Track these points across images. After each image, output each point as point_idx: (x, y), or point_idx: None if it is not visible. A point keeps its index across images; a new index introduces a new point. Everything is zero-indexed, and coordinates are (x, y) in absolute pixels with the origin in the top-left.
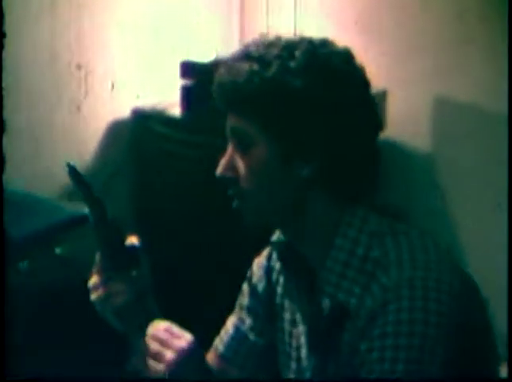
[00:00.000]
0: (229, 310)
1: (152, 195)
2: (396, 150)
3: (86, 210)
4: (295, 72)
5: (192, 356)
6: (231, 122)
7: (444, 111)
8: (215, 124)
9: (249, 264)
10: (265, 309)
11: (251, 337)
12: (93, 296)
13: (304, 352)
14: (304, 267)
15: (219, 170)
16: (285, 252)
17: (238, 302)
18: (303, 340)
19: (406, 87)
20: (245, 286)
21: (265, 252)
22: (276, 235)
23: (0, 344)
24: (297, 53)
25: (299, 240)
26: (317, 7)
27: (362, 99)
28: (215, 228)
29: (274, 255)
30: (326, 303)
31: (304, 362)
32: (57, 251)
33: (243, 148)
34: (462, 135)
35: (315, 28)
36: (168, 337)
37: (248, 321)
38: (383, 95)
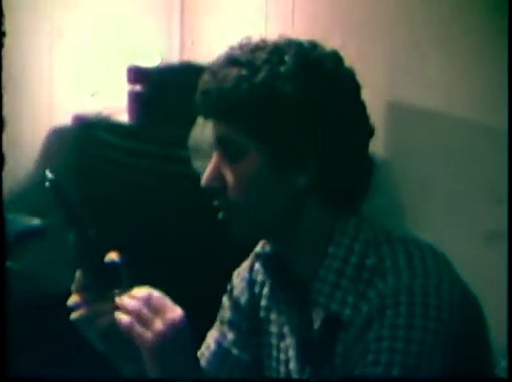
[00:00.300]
0: (204, 325)
1: (96, 206)
2: None
3: (36, 222)
4: (285, 76)
5: (181, 333)
6: (218, 130)
7: (398, 118)
8: (166, 132)
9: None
10: (248, 323)
11: (234, 351)
12: (75, 316)
13: (292, 365)
14: (293, 278)
15: (205, 180)
16: (272, 264)
17: (218, 317)
18: (291, 353)
19: None
20: (225, 300)
21: (246, 264)
22: (259, 247)
23: (0, 345)
24: (287, 57)
25: (289, 250)
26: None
27: (356, 102)
28: (166, 240)
29: (256, 267)
30: (319, 314)
31: (294, 375)
32: (8, 264)
33: (232, 157)
34: (417, 143)
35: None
36: (161, 306)
37: (230, 336)
38: None
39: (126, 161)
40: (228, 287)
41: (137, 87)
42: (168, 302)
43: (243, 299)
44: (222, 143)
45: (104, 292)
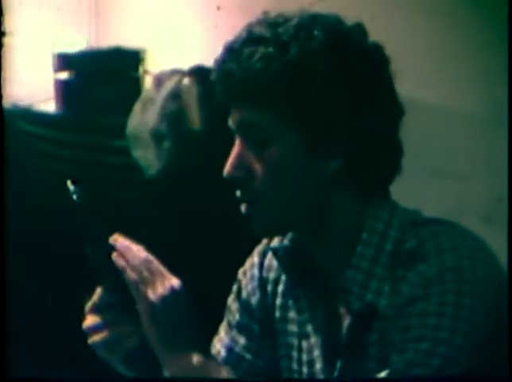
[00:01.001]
0: None
1: (24, 201)
2: None
3: None
4: (317, 53)
5: (180, 300)
6: (242, 116)
7: None
8: (96, 121)
9: None
10: (261, 325)
11: (248, 357)
12: (95, 340)
13: (319, 365)
14: (316, 271)
15: (228, 170)
16: (292, 258)
17: (225, 321)
18: (317, 353)
19: None
20: (232, 302)
21: (252, 261)
22: (275, 242)
23: (0, 345)
24: (316, 32)
25: (315, 241)
26: None
27: (387, 78)
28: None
29: (267, 264)
30: (351, 305)
31: (320, 376)
32: None
33: (259, 144)
34: None
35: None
36: (160, 272)
37: (242, 341)
38: None
39: (56, 153)
40: (234, 288)
41: (64, 75)
42: (165, 270)
43: (254, 300)
44: (247, 129)
45: (129, 310)
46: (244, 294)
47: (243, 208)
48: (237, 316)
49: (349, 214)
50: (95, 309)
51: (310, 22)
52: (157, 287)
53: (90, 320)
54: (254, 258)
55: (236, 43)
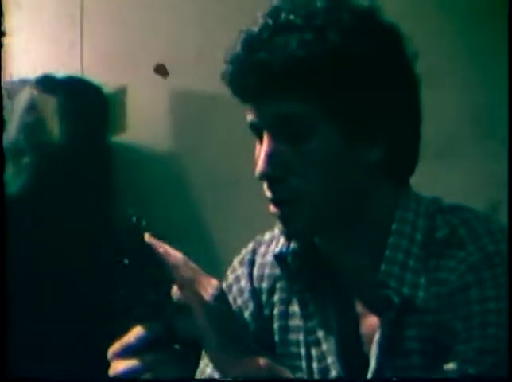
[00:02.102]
0: None
1: None
2: (135, 154)
3: None
4: (354, 36)
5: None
6: (279, 108)
7: (184, 108)
8: None
9: None
10: (256, 341)
11: None
12: None
13: (334, 372)
14: (330, 273)
15: (263, 168)
16: (304, 263)
17: None
18: (331, 359)
19: (144, 83)
20: None
21: (238, 273)
22: (280, 247)
23: (0, 344)
24: (345, 15)
25: (345, 239)
26: None
27: (411, 60)
28: None
29: (257, 274)
30: (392, 299)
31: None
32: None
33: (297, 136)
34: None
35: None
36: (199, 270)
37: None
38: (123, 91)
39: None
40: None
41: None
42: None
43: (247, 314)
44: (285, 122)
45: (183, 349)
46: (234, 308)
47: (276, 209)
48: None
49: (382, 205)
50: (129, 352)
51: (335, 5)
52: (206, 288)
53: (122, 365)
54: (238, 270)
55: (263, 31)
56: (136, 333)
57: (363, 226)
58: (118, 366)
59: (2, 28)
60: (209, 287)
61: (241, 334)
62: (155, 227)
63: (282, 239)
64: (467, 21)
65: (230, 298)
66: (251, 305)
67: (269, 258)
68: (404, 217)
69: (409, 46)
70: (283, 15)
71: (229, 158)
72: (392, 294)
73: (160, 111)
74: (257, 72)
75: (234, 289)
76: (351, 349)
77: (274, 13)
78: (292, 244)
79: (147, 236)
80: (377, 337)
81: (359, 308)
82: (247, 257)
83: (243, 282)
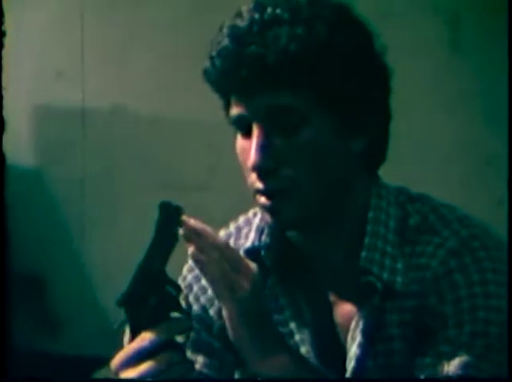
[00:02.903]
0: None
1: None
2: None
3: None
4: (338, 29)
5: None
6: (272, 100)
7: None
8: None
9: None
10: (222, 339)
11: (211, 373)
12: None
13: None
14: (300, 264)
15: (257, 160)
16: (279, 255)
17: None
18: (305, 349)
19: None
20: None
21: (197, 272)
22: (250, 242)
23: (0, 344)
24: (326, 9)
25: (325, 229)
26: None
27: (383, 52)
28: None
29: None
30: (375, 285)
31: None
32: None
33: (290, 129)
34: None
35: None
36: (240, 258)
37: (201, 359)
38: None
39: None
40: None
41: None
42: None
43: (212, 311)
44: (278, 114)
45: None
46: (196, 307)
47: (267, 200)
48: (191, 333)
49: (360, 194)
50: (142, 356)
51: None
52: (242, 279)
53: (136, 371)
54: (196, 270)
55: (252, 25)
56: (147, 337)
57: (342, 215)
58: (131, 373)
59: (3, 28)
60: (245, 281)
61: (275, 330)
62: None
63: (252, 234)
64: None
65: (191, 298)
66: (216, 303)
67: None
68: (378, 205)
69: (378, 40)
70: (269, 10)
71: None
72: (375, 280)
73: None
74: (249, 66)
75: (195, 288)
76: (326, 339)
77: (259, 7)
78: (264, 238)
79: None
80: (360, 324)
81: (333, 298)
82: (244, 247)
83: (204, 281)
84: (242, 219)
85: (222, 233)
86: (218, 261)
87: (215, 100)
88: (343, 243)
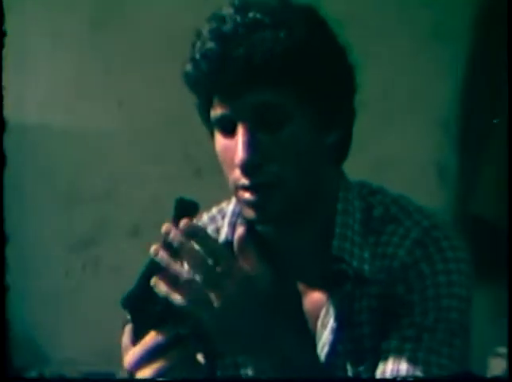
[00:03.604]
0: None
1: None
2: None
3: None
4: (316, 31)
5: (260, 284)
6: (259, 98)
7: None
8: None
9: None
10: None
11: None
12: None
13: None
14: (269, 257)
15: (244, 156)
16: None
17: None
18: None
19: None
20: None
21: None
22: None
23: (0, 344)
24: (299, 13)
25: (298, 222)
26: None
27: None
28: None
29: None
30: (347, 272)
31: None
32: None
33: (275, 126)
34: None
35: None
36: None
37: None
38: None
39: None
40: None
41: None
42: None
43: None
44: (264, 111)
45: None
46: None
47: (252, 196)
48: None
49: (330, 187)
50: (156, 353)
51: (287, 3)
52: (235, 277)
53: (150, 369)
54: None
55: (237, 28)
56: (157, 335)
57: (315, 208)
58: (147, 372)
59: (3, 28)
60: (233, 284)
61: (273, 325)
62: None
63: (225, 228)
64: None
65: None
66: None
67: None
68: (346, 197)
69: (344, 39)
70: (250, 14)
71: None
72: (347, 268)
73: None
74: (237, 67)
75: None
76: (295, 326)
77: (241, 11)
78: (229, 233)
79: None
80: (332, 311)
81: (302, 287)
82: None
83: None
84: (215, 210)
85: (204, 218)
86: (209, 267)
87: (119, 112)
88: (312, 234)
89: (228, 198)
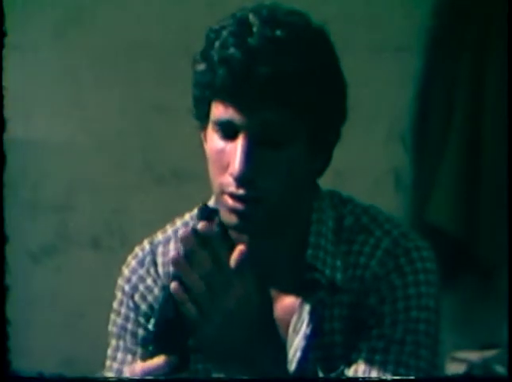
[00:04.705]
0: None
1: None
2: None
3: None
4: (330, 53)
5: (255, 295)
6: (265, 116)
7: None
8: None
9: None
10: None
11: None
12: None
13: None
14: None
15: (241, 170)
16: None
17: (119, 347)
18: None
19: None
20: (125, 324)
21: (140, 273)
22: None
23: (0, 343)
24: (318, 38)
25: (276, 235)
26: None
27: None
28: None
29: (163, 271)
30: (320, 281)
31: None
32: None
33: (275, 144)
34: None
35: None
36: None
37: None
38: None
39: None
40: (121, 310)
41: None
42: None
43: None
44: (268, 128)
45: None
46: (144, 306)
47: (240, 205)
48: (129, 338)
49: (305, 201)
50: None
51: (305, 22)
52: (235, 289)
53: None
54: (140, 270)
55: (266, 43)
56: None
57: (291, 220)
58: (148, 366)
59: (3, 28)
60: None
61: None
62: None
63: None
64: None
65: (137, 297)
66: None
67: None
68: (320, 207)
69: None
70: (278, 32)
71: None
72: (320, 276)
73: None
74: (258, 83)
75: (141, 287)
76: (266, 332)
77: (268, 24)
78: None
79: None
80: (305, 318)
81: (274, 293)
82: (148, 258)
83: (149, 281)
84: (179, 222)
85: (159, 236)
86: (208, 273)
87: (78, 121)
88: (286, 243)
89: (190, 210)
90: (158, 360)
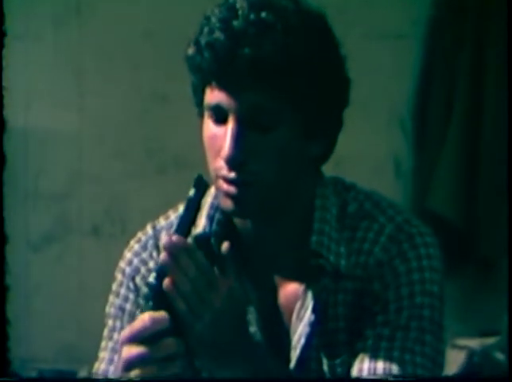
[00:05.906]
0: None
1: None
2: None
3: None
4: (323, 40)
5: (242, 297)
6: (253, 99)
7: None
8: None
9: None
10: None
11: None
12: (144, 372)
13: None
14: (246, 250)
15: (231, 153)
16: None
17: (107, 331)
18: (253, 329)
19: None
20: (118, 303)
21: (143, 257)
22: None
23: (0, 341)
24: (311, 21)
25: (275, 219)
26: None
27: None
28: None
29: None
30: (325, 267)
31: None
32: None
33: (265, 127)
34: None
35: None
36: (215, 273)
37: None
38: None
39: None
40: (115, 300)
41: None
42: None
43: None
44: (256, 113)
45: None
46: (143, 293)
47: (234, 189)
48: (132, 320)
49: (308, 185)
50: (140, 339)
51: (297, 6)
52: (220, 291)
53: (136, 350)
54: (143, 254)
55: (249, 26)
56: (156, 319)
57: (293, 205)
58: (132, 350)
59: (3, 28)
60: (218, 298)
61: (252, 339)
62: None
63: (203, 221)
64: None
65: (138, 280)
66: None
67: None
68: (323, 194)
69: (342, 49)
70: (263, 14)
71: None
72: (325, 263)
73: None
74: (242, 65)
75: (143, 270)
76: (271, 319)
77: (253, 8)
78: (214, 226)
79: None
80: (309, 304)
81: (277, 280)
82: (151, 241)
83: (152, 264)
84: (181, 209)
85: (162, 222)
86: (192, 278)
87: (79, 109)
88: (290, 229)
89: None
90: (157, 315)
